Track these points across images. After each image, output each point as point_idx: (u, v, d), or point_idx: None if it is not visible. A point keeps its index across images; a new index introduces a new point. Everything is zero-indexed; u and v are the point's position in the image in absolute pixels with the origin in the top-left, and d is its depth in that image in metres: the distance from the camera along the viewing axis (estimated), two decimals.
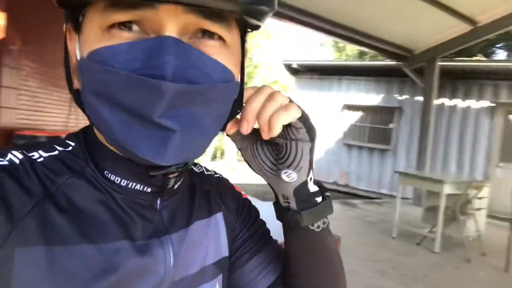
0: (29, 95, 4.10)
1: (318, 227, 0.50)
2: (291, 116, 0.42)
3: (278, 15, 5.66)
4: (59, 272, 0.36)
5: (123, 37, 0.35)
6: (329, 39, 17.84)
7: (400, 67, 7.46)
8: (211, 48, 0.37)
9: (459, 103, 8.25)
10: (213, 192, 0.57)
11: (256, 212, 0.62)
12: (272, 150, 0.48)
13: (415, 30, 6.44)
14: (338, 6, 5.55)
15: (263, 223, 0.61)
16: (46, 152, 0.42)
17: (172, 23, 0.34)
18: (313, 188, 0.49)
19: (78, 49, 0.39)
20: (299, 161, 0.46)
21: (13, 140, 3.74)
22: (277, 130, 0.42)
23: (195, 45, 0.36)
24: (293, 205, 0.49)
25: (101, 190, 0.42)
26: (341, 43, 16.91)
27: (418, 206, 6.75)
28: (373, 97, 9.42)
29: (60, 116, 4.46)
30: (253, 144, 0.49)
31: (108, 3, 0.34)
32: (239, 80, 0.42)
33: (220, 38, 0.38)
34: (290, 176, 0.47)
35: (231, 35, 0.39)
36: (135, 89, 0.33)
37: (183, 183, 0.50)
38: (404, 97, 8.97)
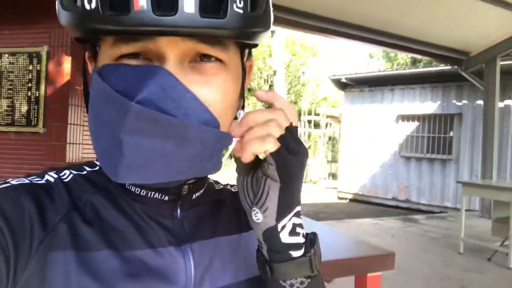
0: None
1: (292, 285, 0.43)
2: (262, 147, 0.40)
3: (323, 30, 5.64)
4: (86, 275, 0.40)
5: (138, 63, 0.40)
6: (378, 50, 17.43)
7: (457, 71, 7.05)
8: (210, 70, 0.41)
9: None
10: (242, 212, 0.54)
11: None
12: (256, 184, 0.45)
13: (469, 31, 6.10)
14: (385, 15, 5.42)
15: None
16: (76, 172, 0.48)
17: (171, 52, 0.39)
18: (288, 239, 0.43)
19: None
20: (264, 200, 0.42)
21: None
22: (246, 156, 0.41)
23: (195, 69, 0.40)
24: (264, 252, 0.44)
25: (122, 202, 0.46)
26: (392, 52, 16.44)
27: (486, 218, 6.22)
28: (429, 105, 8.96)
29: None
30: (247, 173, 0.46)
31: (114, 39, 0.40)
32: (228, 116, 0.43)
33: (218, 59, 0.41)
34: (256, 216, 0.43)
35: (228, 56, 0.42)
36: (109, 103, 0.37)
37: (206, 196, 0.53)
38: (463, 102, 8.44)
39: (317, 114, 14.76)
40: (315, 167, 14.48)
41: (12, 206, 0.39)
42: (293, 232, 0.43)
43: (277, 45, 10.01)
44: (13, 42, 4.14)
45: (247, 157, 0.41)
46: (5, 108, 3.98)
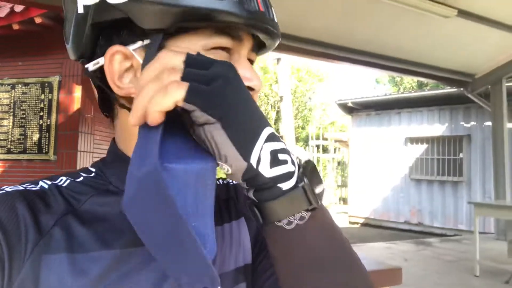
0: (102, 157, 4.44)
1: (290, 223, 0.36)
2: (167, 98, 0.33)
3: (329, 56, 5.73)
4: (81, 277, 0.40)
5: (223, 56, 0.45)
6: (385, 75, 17.58)
7: (463, 93, 7.06)
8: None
9: None
10: (232, 200, 0.56)
11: None
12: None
13: (474, 53, 6.15)
14: (389, 40, 5.51)
15: None
16: (72, 178, 0.48)
17: (247, 48, 0.47)
18: (271, 171, 0.35)
19: None
20: (217, 150, 0.36)
21: None
22: (151, 118, 0.34)
23: None
24: (251, 194, 0.38)
25: (120, 200, 0.45)
26: (398, 76, 16.57)
27: (502, 240, 6.05)
28: (438, 127, 8.93)
29: None
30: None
31: (215, 31, 0.43)
32: None
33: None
34: (224, 169, 0.37)
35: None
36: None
37: None
38: (471, 123, 8.40)
39: (325, 139, 14.76)
40: (325, 192, 14.31)
41: (7, 212, 0.40)
42: (275, 162, 0.35)
43: (283, 72, 10.17)
44: (26, 73, 4.28)
45: (152, 119, 0.34)
46: (18, 137, 4.07)
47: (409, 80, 16.86)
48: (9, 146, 4.05)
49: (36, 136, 4.06)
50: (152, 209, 0.33)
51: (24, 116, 4.13)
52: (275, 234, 0.37)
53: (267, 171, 0.35)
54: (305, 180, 0.37)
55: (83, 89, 4.16)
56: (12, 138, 4.07)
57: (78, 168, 4.01)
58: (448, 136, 8.75)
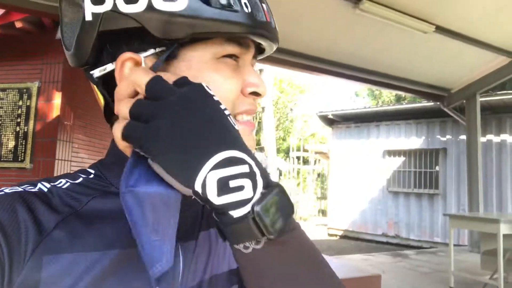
0: (80, 166, 4.37)
1: (246, 247, 0.36)
2: (117, 132, 0.38)
3: (311, 68, 5.83)
4: (82, 277, 0.40)
5: (231, 63, 0.47)
6: (364, 88, 17.93)
7: (439, 107, 7.27)
8: None
9: (508, 138, 7.80)
10: None
11: None
12: None
13: (449, 68, 6.36)
14: (369, 54, 5.65)
15: None
16: (71, 180, 0.48)
17: (251, 55, 0.50)
18: (219, 199, 0.34)
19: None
20: (163, 178, 0.38)
21: None
22: (121, 147, 0.40)
23: None
24: (213, 215, 0.38)
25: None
26: (376, 90, 16.93)
27: (476, 252, 6.20)
28: (415, 140, 9.15)
29: None
30: None
31: (227, 39, 0.45)
32: None
33: None
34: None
35: None
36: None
37: None
38: (447, 137, 8.65)
39: (306, 150, 14.89)
40: (305, 204, 14.41)
41: (6, 213, 0.40)
42: (223, 190, 0.34)
43: (265, 82, 10.27)
44: (4, 78, 4.18)
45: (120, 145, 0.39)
46: None
47: (388, 94, 17.24)
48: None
49: (12, 144, 3.95)
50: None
51: (0, 122, 4.03)
52: (236, 255, 0.37)
53: (215, 199, 0.34)
54: (258, 207, 0.34)
55: (63, 96, 4.09)
56: None
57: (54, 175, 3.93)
58: (424, 149, 8.97)
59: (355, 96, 20.73)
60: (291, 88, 17.01)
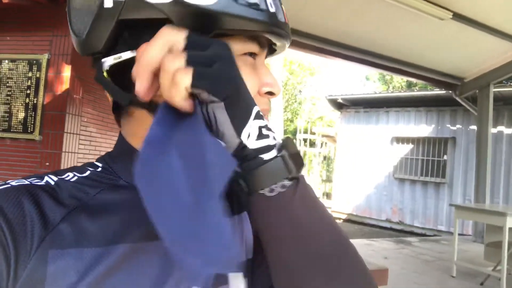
0: (89, 140, 4.38)
1: (271, 190, 0.38)
2: (179, 89, 0.35)
3: (321, 51, 5.73)
4: (88, 272, 0.40)
5: (250, 62, 0.47)
6: (375, 73, 17.68)
7: (451, 95, 7.16)
8: None
9: None
10: (235, 195, 0.55)
11: None
12: None
13: (464, 57, 6.23)
14: (382, 38, 5.53)
15: None
16: (79, 173, 0.47)
17: (264, 58, 0.51)
18: (256, 143, 0.38)
19: None
20: (217, 127, 0.37)
21: None
22: (178, 98, 0.36)
23: None
24: (237, 168, 0.39)
25: (131, 195, 0.44)
26: (388, 75, 16.70)
27: (479, 243, 6.22)
28: (424, 128, 9.06)
29: None
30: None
31: (249, 38, 0.46)
32: None
33: None
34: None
35: None
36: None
37: None
38: (457, 126, 8.55)
39: (313, 133, 14.84)
40: (309, 183, 14.40)
41: (12, 206, 0.40)
42: (260, 136, 0.38)
43: (275, 64, 10.14)
44: (14, 48, 4.15)
45: (178, 99, 0.36)
46: (2, 114, 3.96)
47: (399, 79, 17.00)
48: None
49: (21, 115, 3.95)
50: (165, 179, 0.35)
51: (10, 93, 4.02)
52: (259, 203, 0.38)
53: (252, 143, 0.37)
54: (284, 152, 0.38)
55: (72, 69, 4.06)
56: None
57: (63, 150, 3.94)
58: (433, 138, 8.89)
59: (366, 80, 20.48)
60: (301, 69, 16.83)
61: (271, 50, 0.52)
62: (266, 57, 0.52)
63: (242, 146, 0.38)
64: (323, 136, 14.55)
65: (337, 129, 11.66)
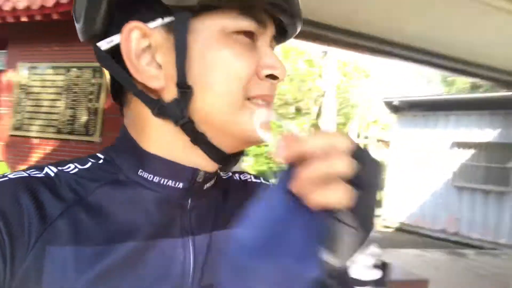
0: None
1: None
2: (333, 201, 0.32)
3: (378, 52, 5.59)
4: (86, 271, 0.39)
5: (245, 42, 0.43)
6: (436, 74, 16.81)
7: None
8: None
9: None
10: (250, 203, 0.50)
11: None
12: None
13: None
14: (444, 36, 5.26)
15: None
16: (80, 165, 0.46)
17: (271, 33, 0.46)
18: (358, 274, 0.38)
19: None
20: (338, 247, 0.35)
21: None
22: (321, 199, 0.33)
23: None
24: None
25: (131, 192, 0.45)
26: (450, 76, 15.78)
27: None
28: (488, 133, 8.48)
29: None
30: None
31: (241, 12, 0.41)
32: None
33: None
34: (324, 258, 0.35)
35: None
36: None
37: (215, 186, 0.51)
38: None
39: (366, 137, 14.45)
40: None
41: (9, 201, 0.38)
42: (366, 267, 0.38)
43: (328, 66, 10.02)
44: (81, 57, 4.54)
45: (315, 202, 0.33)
46: (68, 118, 4.36)
47: (462, 81, 16.02)
48: (59, 126, 4.35)
49: (84, 118, 4.32)
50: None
51: (76, 98, 4.40)
52: None
53: (355, 273, 0.39)
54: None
55: None
56: (63, 119, 4.36)
57: None
58: (498, 143, 8.29)
59: (427, 83, 19.53)
60: (356, 72, 16.45)
61: (281, 33, 0.47)
62: (276, 43, 0.48)
63: (343, 268, 0.38)
64: (377, 140, 14.12)
65: (392, 133, 11.26)
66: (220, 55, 0.41)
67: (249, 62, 0.43)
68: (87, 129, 4.30)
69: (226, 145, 0.46)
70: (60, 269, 0.38)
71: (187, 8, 0.40)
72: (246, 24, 0.42)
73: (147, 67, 0.42)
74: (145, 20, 0.41)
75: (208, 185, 0.49)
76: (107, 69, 0.45)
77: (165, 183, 0.45)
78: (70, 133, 4.33)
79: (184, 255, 0.45)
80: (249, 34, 0.43)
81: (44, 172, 0.43)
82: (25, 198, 0.39)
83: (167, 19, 0.41)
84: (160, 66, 0.43)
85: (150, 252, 0.43)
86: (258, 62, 0.43)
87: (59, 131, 4.34)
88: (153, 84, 0.43)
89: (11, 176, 0.41)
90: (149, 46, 0.42)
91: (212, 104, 0.42)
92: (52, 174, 0.43)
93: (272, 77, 0.45)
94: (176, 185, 0.45)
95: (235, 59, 0.42)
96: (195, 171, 0.46)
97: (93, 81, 4.42)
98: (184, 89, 0.42)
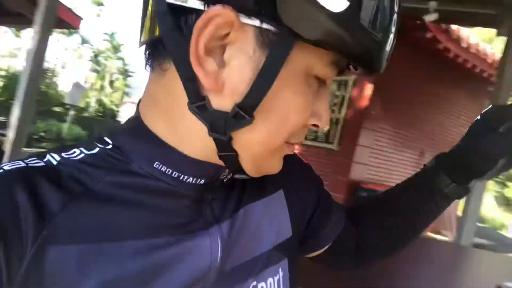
0: (380, 154, 4.66)
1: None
2: None
3: None
4: (92, 272, 0.35)
5: (315, 87, 0.39)
6: None
7: None
8: None
9: None
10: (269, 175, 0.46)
11: (319, 178, 0.63)
12: None
13: None
14: None
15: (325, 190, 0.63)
16: (87, 150, 0.41)
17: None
18: None
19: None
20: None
21: (357, 191, 4.34)
22: None
23: None
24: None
25: (145, 184, 0.40)
26: None
27: None
28: None
29: (405, 173, 4.71)
30: None
31: (333, 58, 0.37)
32: None
33: None
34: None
35: None
36: None
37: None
38: None
39: None
40: None
41: (2, 198, 0.34)
42: None
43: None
44: None
45: None
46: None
47: None
48: (306, 133, 4.89)
49: (326, 128, 4.68)
50: None
51: None
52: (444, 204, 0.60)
53: None
54: None
55: (374, 88, 4.41)
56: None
57: (354, 160, 4.30)
58: None
59: None
60: None
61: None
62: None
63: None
64: None
65: None
66: (294, 98, 0.37)
67: (309, 111, 0.39)
68: (328, 137, 4.64)
69: (249, 170, 0.42)
70: (63, 271, 0.34)
71: (298, 36, 0.33)
72: (331, 74, 0.38)
73: (211, 65, 0.35)
74: (240, 8, 0.33)
75: (228, 176, 0.45)
76: (163, 27, 0.35)
77: (185, 179, 0.41)
78: (313, 140, 4.77)
79: (210, 244, 0.42)
80: (322, 81, 0.39)
81: (45, 159, 0.39)
82: (21, 194, 0.34)
83: (266, 26, 0.33)
84: (223, 65, 0.35)
85: (169, 248, 0.39)
86: (312, 110, 0.39)
87: (304, 138, 4.89)
88: (204, 79, 0.35)
89: (6, 167, 0.36)
90: (226, 35, 0.34)
91: (258, 139, 0.38)
92: (55, 162, 0.38)
93: (315, 126, 0.41)
94: (197, 182, 0.41)
95: (303, 107, 0.38)
96: (219, 169, 0.42)
97: (337, 93, 4.73)
98: (246, 114, 0.36)
